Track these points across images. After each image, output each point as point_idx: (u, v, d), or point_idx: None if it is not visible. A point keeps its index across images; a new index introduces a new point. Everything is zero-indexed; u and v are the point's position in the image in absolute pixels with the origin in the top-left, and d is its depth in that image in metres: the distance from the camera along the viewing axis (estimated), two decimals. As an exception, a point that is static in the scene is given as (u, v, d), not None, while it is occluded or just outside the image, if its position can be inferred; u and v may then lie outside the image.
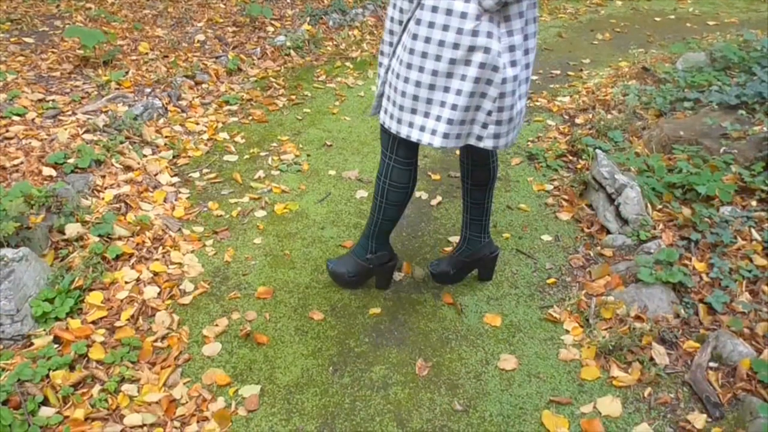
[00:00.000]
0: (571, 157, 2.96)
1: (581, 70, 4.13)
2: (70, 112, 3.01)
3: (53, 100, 3.10)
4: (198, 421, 1.65)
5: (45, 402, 1.64)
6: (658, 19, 5.19)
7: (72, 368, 1.75)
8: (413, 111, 1.60)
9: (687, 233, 2.24)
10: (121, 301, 2.00)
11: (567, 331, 1.96)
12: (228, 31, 4.36)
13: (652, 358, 1.81)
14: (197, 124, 3.23)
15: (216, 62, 3.88)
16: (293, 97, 3.56)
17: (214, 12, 4.72)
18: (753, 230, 2.18)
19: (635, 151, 2.78)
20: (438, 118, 1.58)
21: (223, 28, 4.41)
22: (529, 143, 3.18)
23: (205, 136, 3.13)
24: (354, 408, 1.69)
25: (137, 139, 2.89)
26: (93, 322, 1.90)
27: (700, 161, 2.52)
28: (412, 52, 1.55)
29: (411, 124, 1.62)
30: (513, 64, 1.54)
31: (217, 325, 1.95)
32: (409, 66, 1.57)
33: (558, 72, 4.12)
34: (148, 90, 3.37)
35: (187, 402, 1.69)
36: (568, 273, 2.22)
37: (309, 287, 2.14)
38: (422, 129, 1.61)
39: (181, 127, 3.16)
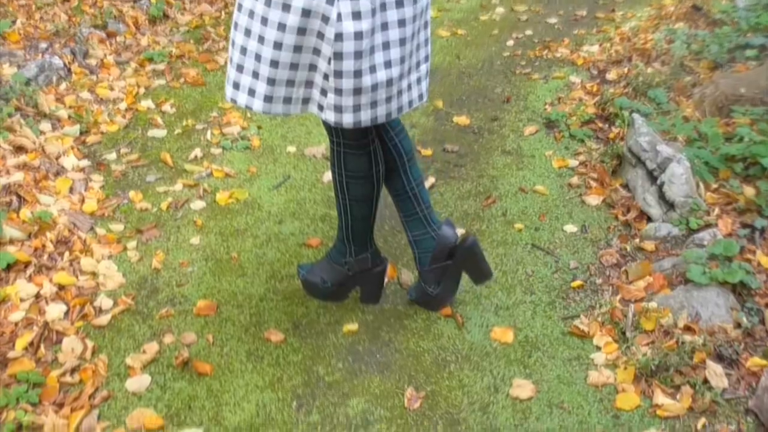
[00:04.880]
0: (600, 124, 2.97)
1: (613, 10, 4.15)
2: (-62, 76, 2.98)
3: None
4: (122, 478, 1.66)
5: None
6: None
7: (-49, 415, 1.74)
8: (239, 67, 1.67)
9: (750, 219, 2.27)
10: (16, 324, 1.99)
11: (598, 348, 1.97)
12: (149, -36, 4.32)
13: (706, 381, 1.82)
14: (112, 89, 3.21)
15: (134, 7, 3.85)
16: (238, 51, 3.55)
17: (131, -61, 4.65)
18: (832, 213, 2.22)
19: (683, 115, 2.80)
20: (255, 75, 1.64)
21: (143, -40, 4.37)
22: (546, 106, 3.18)
23: (123, 105, 3.11)
24: (326, 454, 1.70)
25: (31, 111, 2.86)
26: (-22, 353, 1.90)
27: (767, 126, 2.56)
28: None
29: (237, 85, 1.69)
30: (356, 16, 1.55)
31: (144, 352, 1.95)
32: (239, 7, 1.66)
33: (583, 13, 4.14)
34: (43, 45, 3.33)
35: (107, 453, 1.70)
36: (599, 273, 2.24)
37: (264, 299, 2.14)
38: (237, 87, 1.68)
39: (91, 94, 3.13)
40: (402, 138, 1.94)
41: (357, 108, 1.66)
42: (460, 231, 2.19)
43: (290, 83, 1.66)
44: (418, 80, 1.78)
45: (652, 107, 2.90)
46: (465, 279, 2.07)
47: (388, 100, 1.70)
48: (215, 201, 2.57)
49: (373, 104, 1.68)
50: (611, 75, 3.33)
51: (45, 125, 2.84)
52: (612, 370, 1.90)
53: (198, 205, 2.54)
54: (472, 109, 3.20)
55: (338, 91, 1.63)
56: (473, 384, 1.87)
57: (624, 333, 1.99)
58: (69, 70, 3.24)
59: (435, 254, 1.99)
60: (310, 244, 2.37)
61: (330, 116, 1.68)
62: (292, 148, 2.89)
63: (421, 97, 1.81)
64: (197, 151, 2.83)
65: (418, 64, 1.77)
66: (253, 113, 3.07)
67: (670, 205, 2.37)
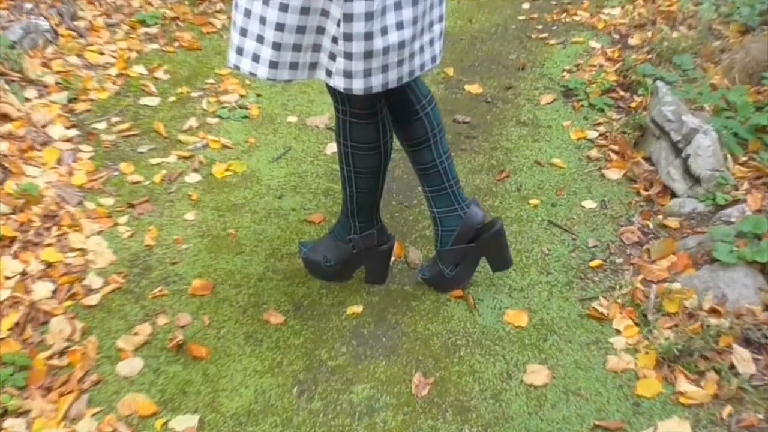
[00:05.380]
0: (622, 93, 2.96)
1: (636, -30, 4.11)
2: None
3: None
4: (113, 466, 1.66)
5: None
6: None
7: (-67, 399, 1.74)
8: (243, 31, 1.65)
9: (780, 194, 2.27)
10: (1, 303, 1.98)
11: (617, 332, 1.97)
12: None
13: (732, 366, 1.82)
14: (102, 53, 3.20)
15: (126, -34, 3.79)
16: (236, 13, 3.52)
17: None
18: None
19: (710, 83, 2.79)
20: (260, 39, 1.62)
21: None
22: (564, 74, 3.19)
23: (114, 71, 3.11)
24: (328, 443, 1.71)
25: (16, 76, 2.84)
26: (-39, 334, 1.89)
27: (800, 95, 2.55)
28: None
29: (240, 50, 1.67)
30: None
31: (136, 334, 1.95)
32: None
33: (604, -26, 4.09)
34: (28, 6, 3.29)
35: (97, 440, 1.70)
36: (619, 252, 2.23)
37: (263, 279, 2.14)
38: (241, 53, 1.66)
39: (79, 59, 3.12)
40: (432, 108, 1.92)
41: (368, 73, 1.64)
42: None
43: (297, 48, 1.64)
44: (431, 41, 1.76)
45: (678, 74, 2.90)
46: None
47: (400, 63, 1.68)
48: (211, 174, 2.57)
49: (385, 68, 1.66)
50: (634, 40, 3.32)
51: (31, 92, 2.83)
52: (632, 354, 1.89)
53: (193, 178, 2.54)
54: (484, 77, 3.20)
55: (348, 55, 1.61)
56: (485, 370, 1.87)
57: (645, 316, 1.98)
58: (56, 32, 3.23)
59: (459, 234, 1.98)
60: (312, 221, 2.37)
61: (339, 82, 1.66)
62: (293, 118, 2.89)
63: (434, 59, 1.80)
64: (192, 121, 2.83)
65: (431, 24, 1.75)
66: (253, 80, 3.06)
67: (695, 180, 2.36)
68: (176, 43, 3.34)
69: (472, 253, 2.01)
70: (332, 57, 1.64)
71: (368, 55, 1.61)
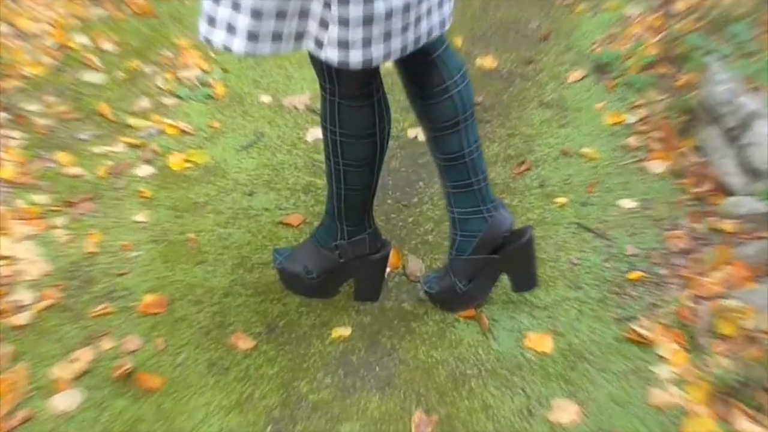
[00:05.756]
0: (665, 69, 2.97)
1: None
2: None
3: None
4: None
5: None
6: None
7: None
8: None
9: None
10: None
11: (661, 359, 1.97)
12: None
13: None
14: (36, 21, 3.18)
15: None
16: (199, -28, 3.52)
17: None
18: None
19: (772, 57, 2.79)
20: (236, 6, 1.61)
21: None
22: (595, 46, 3.20)
23: (50, 42, 3.09)
24: (309, 494, 1.72)
25: (-69, 48, 2.84)
26: None
27: None
28: None
29: (212, 20, 1.65)
30: None
31: (76, 361, 1.94)
32: None
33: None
34: (-52, -38, 3.28)
35: (26, 491, 1.70)
36: (664, 262, 2.23)
37: (230, 294, 2.14)
38: (213, 23, 1.64)
39: (9, 27, 3.10)
40: (465, 85, 1.90)
41: (367, 42, 1.62)
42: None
43: (281, 14, 1.62)
44: (440, 3, 1.75)
45: (732, 47, 2.89)
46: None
47: (405, 29, 1.66)
48: (167, 166, 2.56)
49: (387, 36, 1.64)
50: (679, 5, 3.31)
51: (-53, 66, 2.84)
52: (680, 386, 1.89)
53: (145, 170, 2.54)
54: (500, 49, 3.22)
55: (344, 22, 1.59)
56: (500, 405, 1.87)
57: (695, 339, 1.99)
58: (-20, -5, 3.20)
59: (481, 241, 1.98)
60: (290, 223, 2.36)
61: (332, 54, 1.64)
62: (266, 98, 2.89)
63: (443, 23, 1.79)
64: (144, 102, 2.83)
65: None
66: (221, 53, 3.02)
67: (754, 174, 2.37)
68: (126, 9, 3.33)
69: (492, 265, 2.01)
70: (323, 24, 1.63)
71: (368, 20, 1.59)
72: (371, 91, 1.82)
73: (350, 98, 1.81)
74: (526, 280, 2.05)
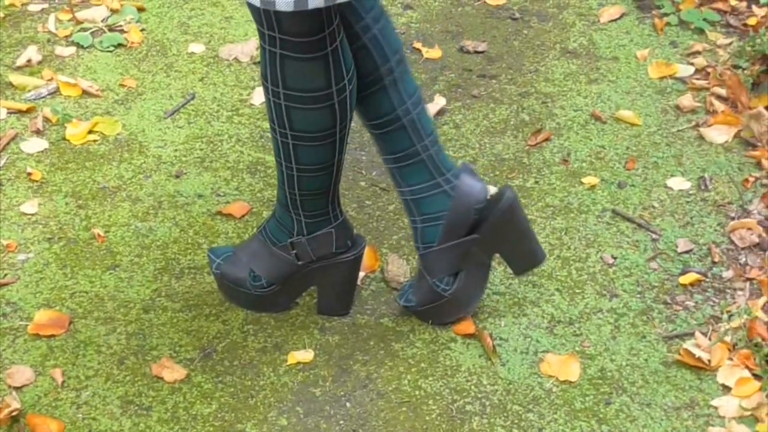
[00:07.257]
0: (732, 2, 2.97)
1: None
2: None
3: None
4: None
5: None
6: None
7: None
8: None
9: None
10: None
11: (725, 388, 1.96)
12: None
13: None
14: None
15: None
16: None
17: None
18: None
19: None
20: None
21: None
22: None
23: None
24: None
25: None
26: None
27: None
28: None
29: None
30: None
31: None
32: None
33: None
34: None
35: None
36: (728, 261, 2.24)
37: (151, 309, 2.14)
38: None
39: None
40: (383, 27, 1.92)
41: None
42: (492, 189, 2.16)
43: None
44: None
45: None
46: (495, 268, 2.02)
47: None
48: (64, 138, 2.58)
49: None
50: None
51: None
52: (750, 426, 1.88)
53: (35, 144, 2.56)
54: None
55: None
56: None
57: None
58: None
59: (449, 222, 2.00)
60: (231, 213, 2.38)
61: None
62: (198, 47, 2.89)
63: None
64: (32, 51, 2.83)
65: None
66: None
67: None
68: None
69: (476, 249, 2.02)
70: None
71: None
72: (324, 39, 1.79)
73: (296, 48, 1.79)
74: (526, 256, 2.06)
